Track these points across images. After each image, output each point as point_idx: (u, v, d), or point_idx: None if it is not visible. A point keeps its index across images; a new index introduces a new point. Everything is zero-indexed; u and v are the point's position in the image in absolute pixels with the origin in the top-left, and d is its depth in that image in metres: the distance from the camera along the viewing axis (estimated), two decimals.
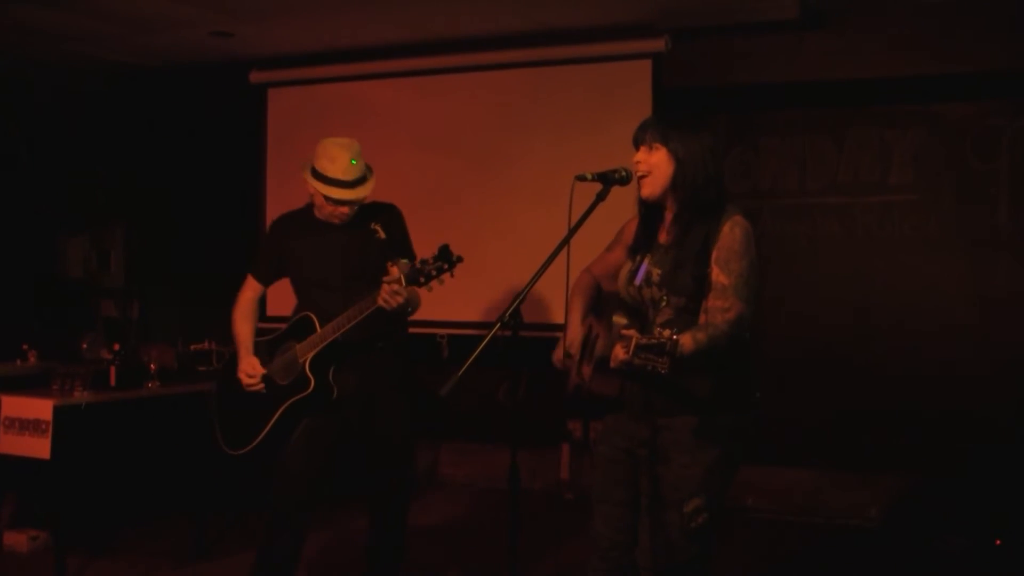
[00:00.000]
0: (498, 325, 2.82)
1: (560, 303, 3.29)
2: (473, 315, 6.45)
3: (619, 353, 2.65)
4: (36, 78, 7.48)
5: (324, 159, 3.74)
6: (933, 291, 5.80)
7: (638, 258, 3.03)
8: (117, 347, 5.21)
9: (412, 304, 3.73)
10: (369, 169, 3.85)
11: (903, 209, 5.86)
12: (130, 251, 7.71)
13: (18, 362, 5.63)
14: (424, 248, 3.93)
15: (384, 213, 3.97)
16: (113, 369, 4.86)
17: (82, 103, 7.85)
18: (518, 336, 2.82)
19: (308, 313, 3.82)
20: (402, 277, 3.44)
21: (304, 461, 3.85)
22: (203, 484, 5.08)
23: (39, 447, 4.44)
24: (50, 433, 4.42)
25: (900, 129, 5.87)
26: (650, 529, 2.97)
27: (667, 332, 2.51)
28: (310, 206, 3.93)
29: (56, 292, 7.63)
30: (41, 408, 4.46)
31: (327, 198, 3.75)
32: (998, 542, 5.15)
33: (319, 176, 3.74)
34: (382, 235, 3.89)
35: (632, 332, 2.58)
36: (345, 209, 3.78)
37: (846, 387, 5.93)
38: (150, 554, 5.07)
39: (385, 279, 3.48)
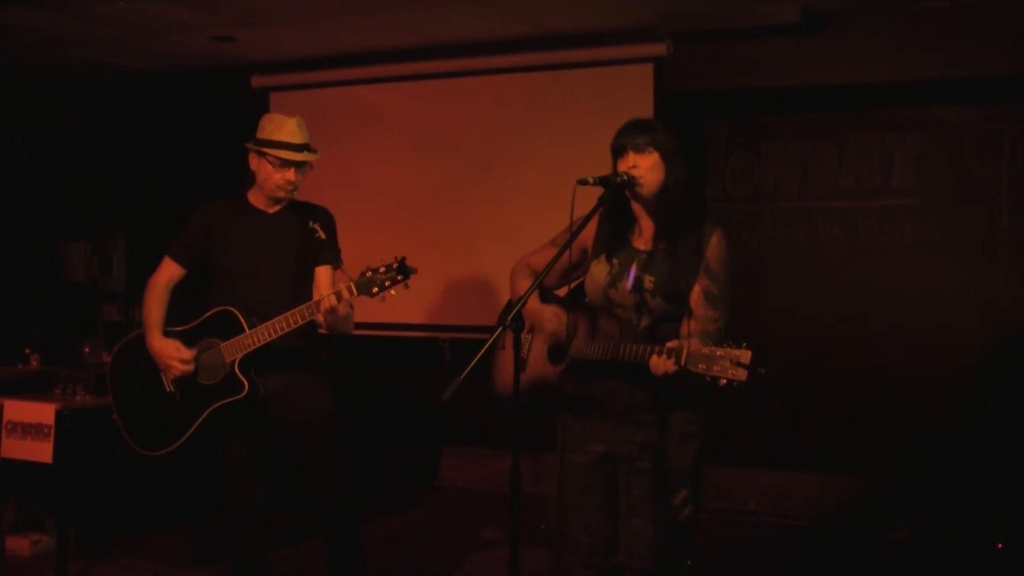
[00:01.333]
0: (500, 329, 2.83)
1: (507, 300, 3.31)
2: (475, 319, 6.45)
3: (667, 366, 2.72)
4: (38, 82, 7.49)
5: (269, 126, 3.74)
6: (934, 295, 5.80)
7: (616, 262, 3.03)
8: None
9: (348, 323, 3.64)
10: (313, 147, 3.80)
11: (904, 213, 5.87)
12: (132, 255, 7.71)
13: (20, 366, 5.64)
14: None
15: (322, 214, 3.91)
16: None
17: (84, 107, 7.86)
18: (519, 340, 2.82)
19: (230, 308, 3.69)
20: (352, 286, 3.39)
21: (246, 469, 3.77)
22: (205, 488, 5.07)
23: (41, 451, 4.45)
24: (52, 437, 4.42)
25: (901, 133, 5.87)
26: (635, 528, 2.99)
27: (724, 345, 2.62)
28: (243, 193, 3.86)
29: (58, 296, 7.64)
30: (43, 412, 4.46)
31: (274, 159, 3.69)
32: (1000, 545, 5.16)
33: (264, 142, 3.72)
34: (322, 235, 3.82)
35: (678, 343, 2.71)
36: (291, 174, 3.72)
37: (847, 391, 5.93)
38: (152, 558, 5.07)
39: (336, 289, 3.43)
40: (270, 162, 3.72)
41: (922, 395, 5.76)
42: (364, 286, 3.37)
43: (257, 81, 7.20)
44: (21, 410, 4.54)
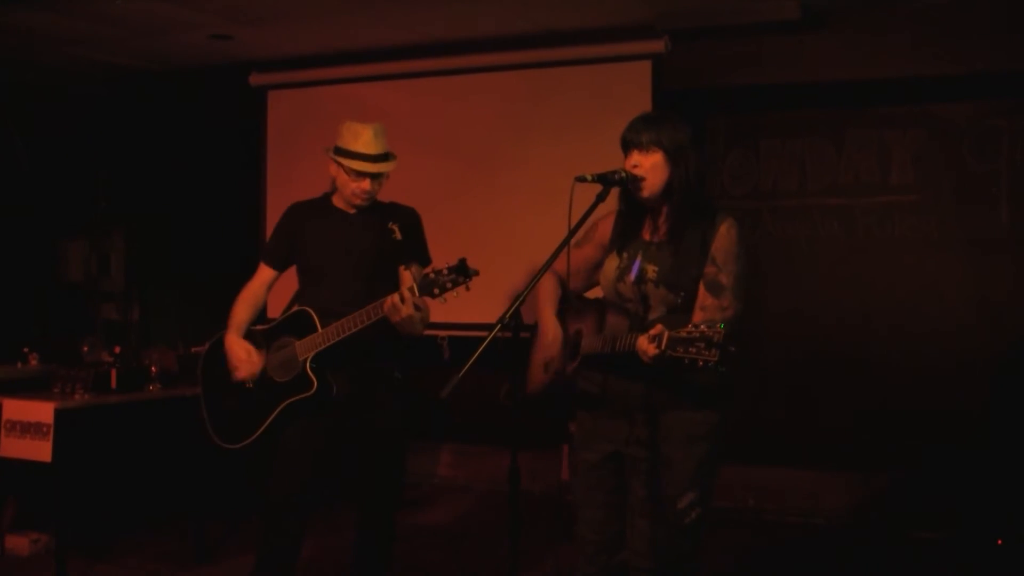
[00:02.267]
0: (498, 327, 2.83)
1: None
2: (473, 316, 6.43)
3: (649, 349, 2.67)
4: (36, 81, 7.49)
5: (348, 135, 3.78)
6: (933, 292, 5.80)
7: (625, 255, 3.04)
8: (118, 350, 5.22)
9: (416, 325, 3.66)
10: (393, 154, 3.85)
11: (903, 210, 5.86)
12: (130, 254, 7.71)
13: (19, 365, 5.63)
14: (430, 249, 3.94)
15: (404, 215, 3.95)
16: (114, 372, 4.85)
17: (82, 106, 7.86)
18: (518, 337, 2.82)
19: (306, 308, 3.76)
20: (415, 286, 3.42)
21: (300, 462, 3.80)
22: (204, 487, 5.08)
23: (40, 450, 4.44)
24: (51, 436, 4.42)
25: (900, 130, 5.87)
26: (640, 528, 2.98)
27: (702, 326, 2.56)
28: (328, 195, 3.92)
29: (57, 295, 7.64)
30: (42, 411, 4.46)
31: (349, 170, 3.74)
32: (1000, 541, 5.16)
33: (342, 151, 3.77)
34: (399, 236, 3.86)
35: (660, 327, 2.65)
36: (367, 184, 3.76)
37: (846, 387, 5.93)
38: (151, 557, 5.07)
39: (401, 292, 3.45)
40: (346, 172, 3.76)
41: (921, 392, 5.76)
42: (426, 287, 3.40)
43: (255, 79, 7.19)
44: (20, 409, 4.54)
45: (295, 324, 3.79)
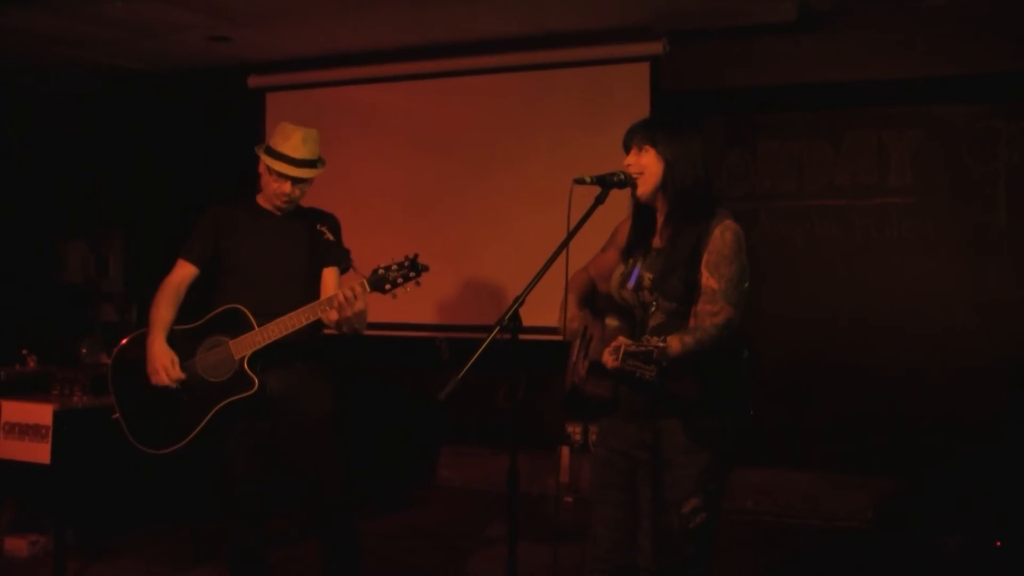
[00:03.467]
0: (497, 328, 2.83)
1: (559, 306, 3.30)
2: (472, 318, 6.45)
3: (608, 360, 2.68)
4: (35, 82, 7.49)
5: (278, 136, 3.77)
6: (931, 293, 5.81)
7: (631, 261, 3.04)
8: None
9: (361, 320, 3.62)
10: (321, 161, 3.81)
11: (901, 211, 5.87)
12: (129, 255, 7.71)
13: (17, 367, 5.63)
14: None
15: (329, 220, 3.93)
16: None
17: (81, 107, 7.85)
18: (517, 339, 2.82)
19: (238, 306, 3.68)
20: (365, 283, 3.41)
21: (246, 464, 3.77)
22: (202, 489, 5.07)
23: (39, 452, 4.44)
24: (50, 438, 4.42)
25: (898, 131, 5.88)
26: (649, 530, 2.98)
27: (654, 340, 2.56)
28: (252, 194, 3.89)
29: (55, 297, 7.63)
30: (41, 413, 4.46)
31: (270, 170, 3.72)
32: (998, 543, 5.16)
33: (269, 150, 3.75)
34: (330, 237, 3.85)
35: (621, 340, 2.63)
36: (287, 187, 3.73)
37: (844, 389, 5.94)
38: (149, 559, 5.07)
39: (350, 286, 3.43)
40: (268, 171, 3.76)
41: (919, 393, 5.76)
42: (377, 283, 3.41)
43: (254, 81, 7.19)
44: (19, 411, 4.54)
45: (227, 322, 3.71)
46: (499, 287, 6.24)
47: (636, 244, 3.07)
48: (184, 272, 3.90)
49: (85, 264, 7.72)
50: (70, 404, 4.56)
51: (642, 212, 3.07)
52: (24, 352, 5.72)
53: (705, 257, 2.89)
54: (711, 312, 2.84)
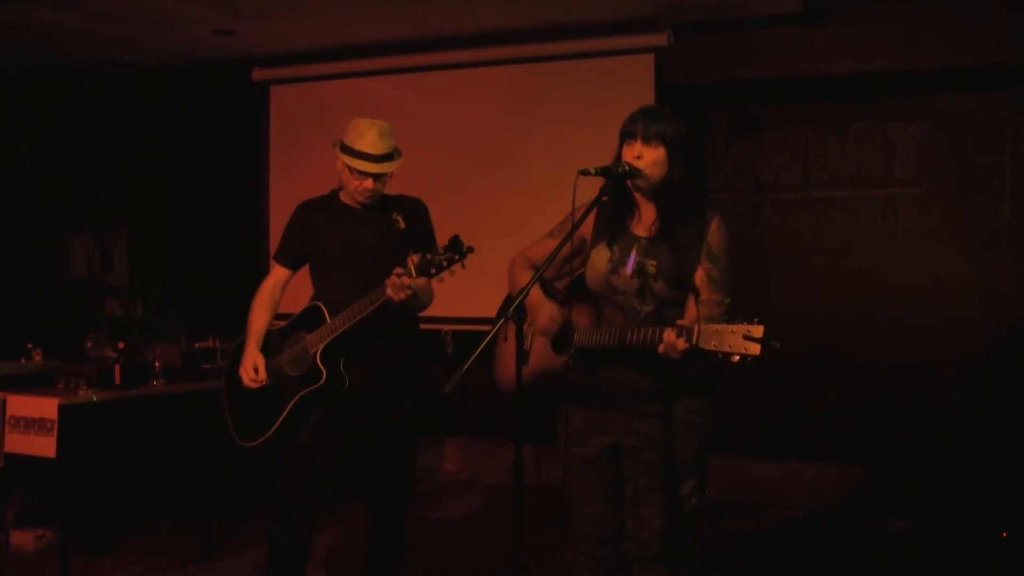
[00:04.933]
0: (502, 321, 2.82)
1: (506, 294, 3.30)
2: (477, 311, 6.43)
3: (679, 344, 2.66)
4: (39, 77, 7.49)
5: (353, 133, 3.81)
6: (936, 284, 5.79)
7: (616, 249, 3.02)
8: (121, 345, 5.21)
9: (422, 297, 3.71)
10: (397, 151, 3.88)
11: (906, 202, 5.86)
12: (133, 250, 7.71)
13: (23, 361, 5.64)
14: (453, 238, 3.92)
15: (408, 205, 4.00)
16: (118, 367, 4.86)
17: (84, 102, 7.85)
18: (522, 331, 2.82)
19: (317, 303, 3.82)
20: (412, 268, 3.44)
21: (312, 454, 3.84)
22: (209, 482, 5.08)
23: (45, 446, 4.45)
24: (55, 432, 4.42)
25: (903, 122, 5.86)
26: (644, 517, 2.99)
27: (744, 323, 2.57)
28: (335, 192, 3.96)
29: (60, 291, 7.64)
30: (46, 407, 4.46)
31: (352, 170, 3.77)
32: (1004, 535, 5.15)
33: (346, 149, 3.80)
34: (402, 225, 3.91)
35: (687, 321, 2.68)
36: (369, 183, 3.79)
37: (849, 381, 5.93)
38: (155, 553, 5.08)
39: (395, 270, 3.47)
40: (349, 170, 3.80)
41: (924, 384, 5.75)
42: (423, 268, 3.42)
43: (257, 74, 7.19)
44: (24, 405, 4.54)
45: (308, 319, 3.85)
46: (504, 279, 6.23)
47: (615, 232, 3.06)
48: (277, 275, 4.06)
49: (89, 259, 7.72)
50: (75, 398, 4.56)
51: (621, 200, 3.06)
52: (29, 346, 5.72)
53: (707, 249, 2.94)
54: (716, 300, 2.89)
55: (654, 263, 2.96)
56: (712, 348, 2.59)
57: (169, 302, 7.66)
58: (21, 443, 4.53)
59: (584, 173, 2.91)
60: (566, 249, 3.07)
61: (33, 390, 4.70)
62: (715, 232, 2.95)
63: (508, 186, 6.52)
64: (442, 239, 3.46)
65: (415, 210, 4.00)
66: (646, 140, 2.96)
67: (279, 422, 3.84)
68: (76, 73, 7.50)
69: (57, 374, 4.82)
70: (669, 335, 2.70)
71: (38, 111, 7.56)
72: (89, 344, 5.77)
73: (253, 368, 3.88)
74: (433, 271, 3.41)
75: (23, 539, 5.08)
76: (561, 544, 4.95)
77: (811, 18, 5.76)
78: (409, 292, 3.49)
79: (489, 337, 2.77)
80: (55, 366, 5.01)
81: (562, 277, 3.28)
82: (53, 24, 6.22)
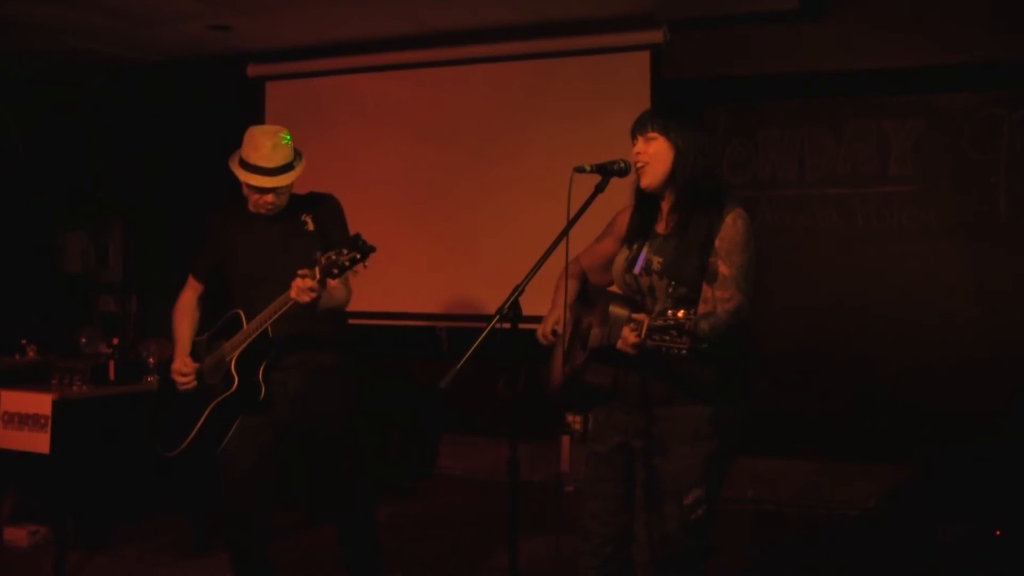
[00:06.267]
0: (497, 317, 2.82)
1: (552, 295, 3.29)
2: (472, 307, 6.45)
3: (630, 337, 2.63)
4: (34, 72, 7.47)
5: (248, 147, 3.70)
6: (932, 282, 5.80)
7: (635, 246, 3.03)
8: (116, 341, 5.21)
9: (332, 299, 3.62)
10: (298, 155, 3.75)
11: (902, 200, 5.86)
12: (128, 246, 7.70)
13: (17, 357, 5.63)
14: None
15: (317, 204, 3.87)
16: (112, 363, 4.85)
17: (80, 97, 7.84)
18: (517, 328, 2.81)
19: (237, 311, 3.73)
20: (316, 270, 3.37)
21: (239, 462, 3.75)
22: (203, 478, 5.07)
23: (38, 442, 4.44)
24: (49, 427, 4.42)
25: (899, 120, 5.86)
26: (646, 522, 2.96)
27: (681, 312, 2.48)
28: (245, 199, 3.86)
29: (55, 287, 7.63)
30: (40, 403, 4.46)
31: (248, 186, 3.69)
32: (998, 532, 5.16)
33: (242, 164, 3.70)
34: (311, 227, 3.80)
35: (643, 316, 2.58)
36: (269, 198, 3.69)
37: (844, 378, 5.93)
38: (150, 549, 5.07)
39: (300, 272, 3.39)
40: (246, 185, 3.72)
41: (920, 381, 5.76)
42: (326, 270, 3.34)
43: (253, 70, 7.18)
44: (18, 400, 4.54)
45: (228, 327, 3.77)
46: (499, 276, 6.22)
47: (639, 231, 3.05)
48: (191, 287, 4.02)
49: (84, 254, 7.71)
50: (69, 394, 4.56)
51: (645, 199, 3.05)
52: (23, 342, 5.72)
53: (717, 244, 2.87)
54: (723, 298, 2.82)
55: (660, 259, 2.94)
56: (656, 343, 2.52)
57: (164, 298, 7.60)
58: (15, 439, 4.52)
59: (580, 170, 2.91)
60: (608, 252, 3.12)
61: (27, 386, 4.70)
62: (729, 226, 2.88)
63: (504, 182, 6.51)
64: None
65: (325, 208, 3.87)
66: (643, 133, 2.96)
67: (195, 430, 3.75)
68: (72, 68, 7.48)
69: (51, 370, 4.82)
70: (624, 331, 2.67)
71: (33, 106, 7.55)
72: (83, 340, 5.77)
73: (182, 372, 3.79)
74: (336, 271, 3.31)
75: (17, 535, 5.08)
76: (555, 541, 4.94)
77: (807, 15, 5.75)
78: (314, 294, 3.39)
79: (484, 333, 2.75)
80: (50, 362, 5.00)
81: (611, 281, 3.25)
82: (48, 19, 6.20)
